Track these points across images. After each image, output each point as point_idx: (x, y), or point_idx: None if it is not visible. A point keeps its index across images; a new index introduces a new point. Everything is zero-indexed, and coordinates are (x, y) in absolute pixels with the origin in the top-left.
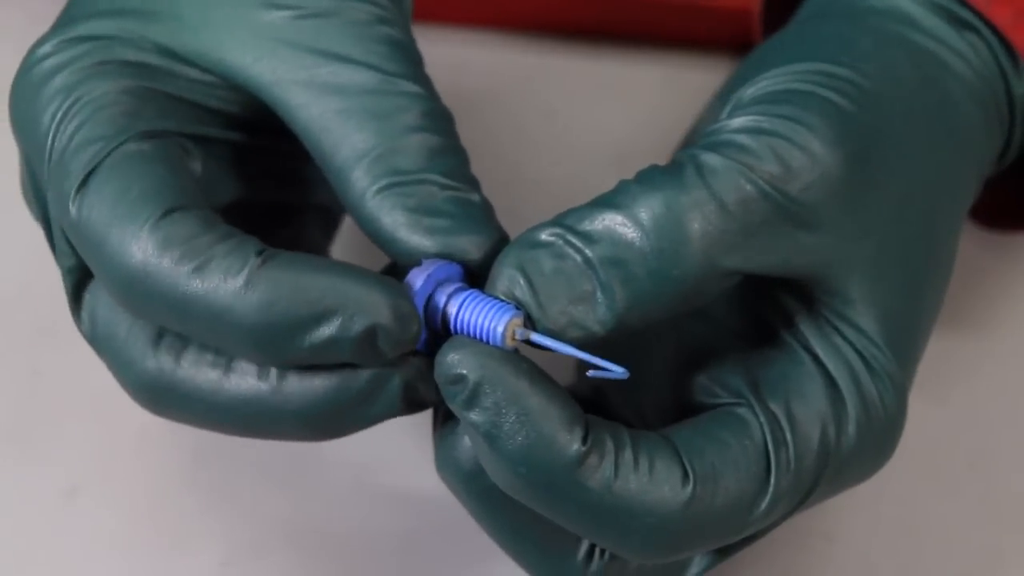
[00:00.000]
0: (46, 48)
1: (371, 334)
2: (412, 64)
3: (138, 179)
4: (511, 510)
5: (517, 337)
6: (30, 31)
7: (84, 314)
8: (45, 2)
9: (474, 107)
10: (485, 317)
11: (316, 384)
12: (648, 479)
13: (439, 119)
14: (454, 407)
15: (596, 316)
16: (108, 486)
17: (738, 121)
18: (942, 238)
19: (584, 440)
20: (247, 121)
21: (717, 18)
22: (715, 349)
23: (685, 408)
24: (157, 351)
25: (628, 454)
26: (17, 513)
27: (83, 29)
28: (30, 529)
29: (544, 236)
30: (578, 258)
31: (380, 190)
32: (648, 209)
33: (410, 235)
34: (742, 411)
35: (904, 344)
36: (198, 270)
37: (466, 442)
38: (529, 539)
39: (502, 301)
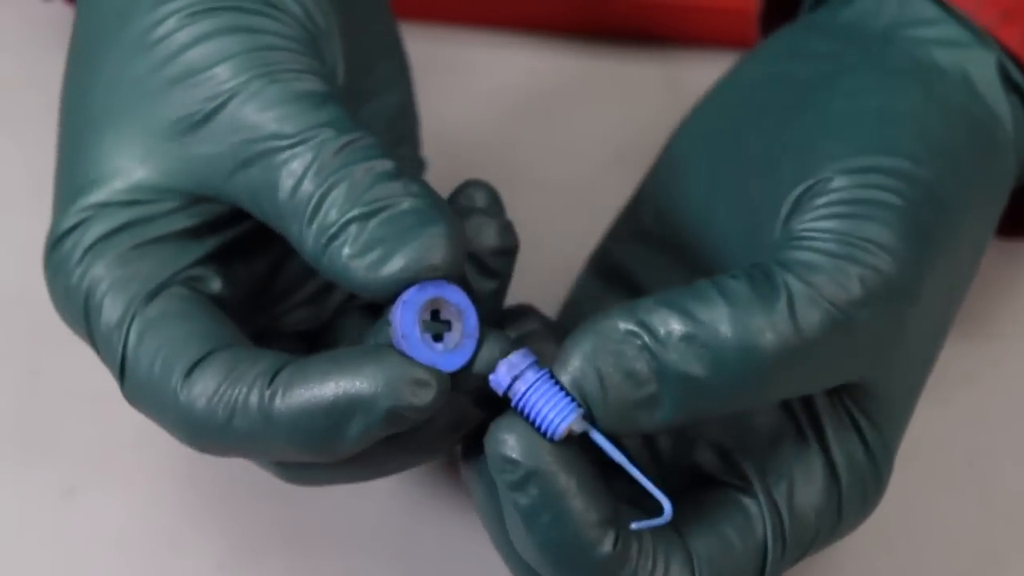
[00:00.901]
0: (51, 256)
1: (395, 414)
2: (314, 108)
3: (156, 351)
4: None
5: (575, 430)
6: (27, 32)
7: None
8: (41, 5)
9: (474, 107)
10: (551, 408)
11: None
12: None
13: (351, 151)
14: (500, 482)
15: (653, 420)
16: (106, 487)
17: (821, 242)
18: (959, 301)
19: (614, 545)
20: (237, 211)
21: (717, 18)
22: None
23: (689, 471)
24: None
25: (648, 564)
26: (15, 513)
27: (63, 223)
28: (28, 529)
29: (622, 330)
30: (652, 366)
31: (321, 250)
32: (731, 334)
33: (361, 278)
34: (747, 502)
35: (904, 416)
36: (230, 418)
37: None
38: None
39: (567, 395)
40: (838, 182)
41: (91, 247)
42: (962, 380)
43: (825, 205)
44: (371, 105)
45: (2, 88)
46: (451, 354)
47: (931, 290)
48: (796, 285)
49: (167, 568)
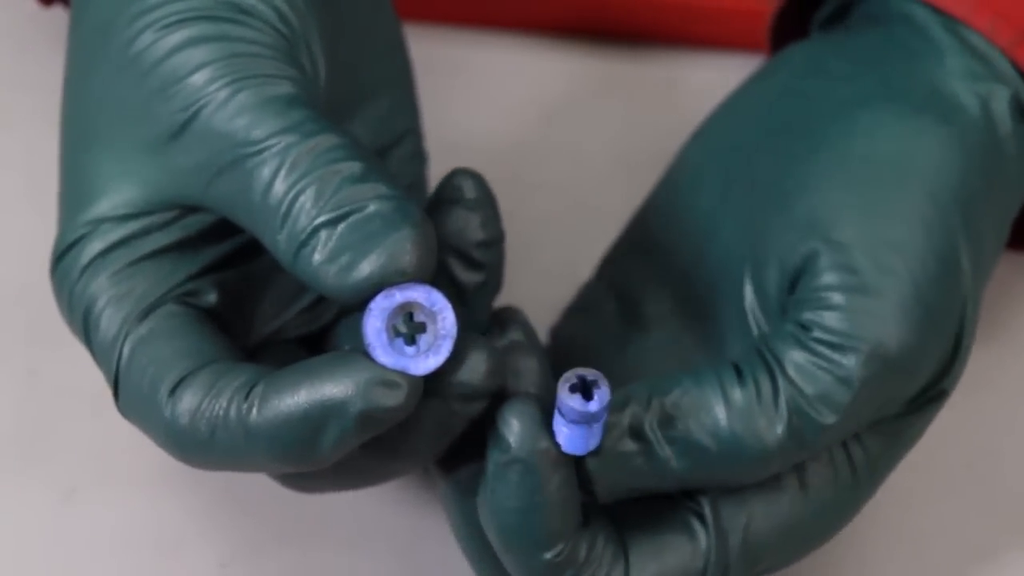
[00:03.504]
0: (56, 271)
1: (368, 416)
2: (281, 112)
3: (145, 370)
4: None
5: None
6: (26, 32)
7: None
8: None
9: (473, 107)
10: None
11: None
12: None
13: (317, 154)
14: (489, 454)
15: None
16: (107, 487)
17: (826, 347)
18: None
19: (559, 554)
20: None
21: (720, 20)
22: None
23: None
24: None
25: (588, 574)
26: (16, 514)
27: (64, 239)
28: (29, 530)
29: (630, 448)
30: (649, 466)
31: (293, 257)
32: (730, 450)
33: (331, 284)
34: (697, 527)
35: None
36: (212, 433)
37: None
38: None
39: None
40: (846, 257)
41: (89, 264)
42: (963, 383)
43: (830, 288)
44: (369, 102)
45: (2, 88)
46: (424, 356)
47: (937, 354)
48: (796, 401)
49: (168, 568)
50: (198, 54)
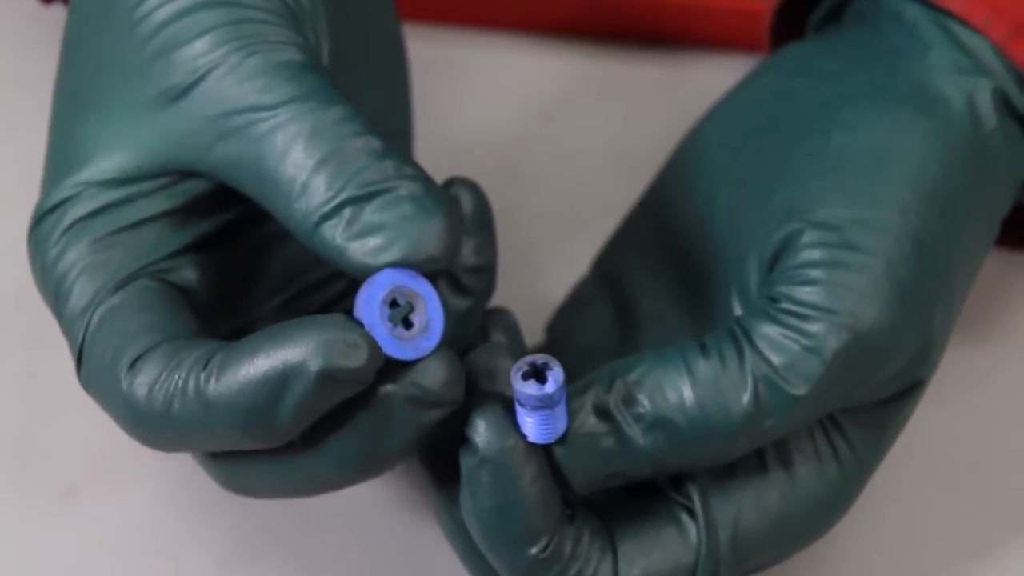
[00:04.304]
0: (33, 233)
1: (328, 376)
2: (295, 78)
3: (108, 341)
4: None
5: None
6: (27, 32)
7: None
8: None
9: (474, 107)
10: (554, 420)
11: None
12: None
13: (338, 125)
14: (461, 455)
15: (619, 482)
16: (106, 487)
17: (795, 318)
18: (949, 327)
19: (543, 549)
20: (219, 189)
21: (720, 20)
22: None
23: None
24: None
25: (575, 569)
26: (15, 514)
27: (47, 202)
28: (28, 530)
29: (597, 427)
30: (620, 448)
31: (312, 229)
32: (696, 426)
33: (357, 262)
34: (687, 521)
35: (886, 442)
36: (168, 406)
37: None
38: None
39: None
40: (822, 235)
41: (68, 229)
42: (962, 382)
43: (806, 265)
44: (361, 99)
45: (2, 88)
46: (394, 343)
47: (910, 337)
48: (763, 370)
49: (167, 568)
50: (205, 18)
